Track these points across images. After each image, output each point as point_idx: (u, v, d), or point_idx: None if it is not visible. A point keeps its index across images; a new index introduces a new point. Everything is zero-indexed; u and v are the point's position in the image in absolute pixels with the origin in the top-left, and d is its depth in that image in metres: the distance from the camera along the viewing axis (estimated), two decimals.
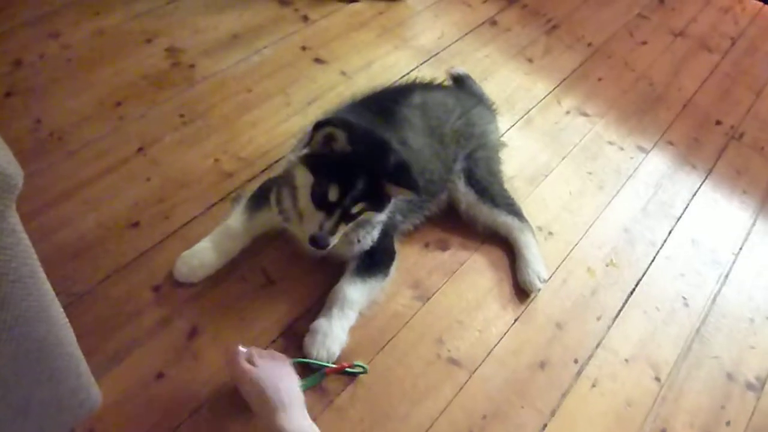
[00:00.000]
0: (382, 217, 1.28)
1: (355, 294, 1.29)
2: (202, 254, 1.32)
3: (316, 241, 1.18)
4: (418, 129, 1.42)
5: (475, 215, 1.49)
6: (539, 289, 1.43)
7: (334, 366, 1.22)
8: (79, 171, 1.45)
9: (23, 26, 1.74)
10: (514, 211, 1.50)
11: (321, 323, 1.25)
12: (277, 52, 1.83)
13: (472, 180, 1.48)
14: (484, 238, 1.51)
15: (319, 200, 1.18)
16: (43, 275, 0.76)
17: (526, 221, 1.50)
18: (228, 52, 1.79)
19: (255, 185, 1.48)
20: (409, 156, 1.33)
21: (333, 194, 1.16)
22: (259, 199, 1.37)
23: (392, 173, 1.18)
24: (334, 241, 1.19)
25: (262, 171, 1.53)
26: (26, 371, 0.81)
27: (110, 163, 1.47)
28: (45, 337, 0.80)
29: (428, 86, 1.59)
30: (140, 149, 1.52)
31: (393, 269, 1.37)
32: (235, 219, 1.35)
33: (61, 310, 0.85)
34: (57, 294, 1.21)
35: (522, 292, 1.44)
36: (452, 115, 1.49)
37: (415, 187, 1.21)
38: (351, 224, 1.21)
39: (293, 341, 1.26)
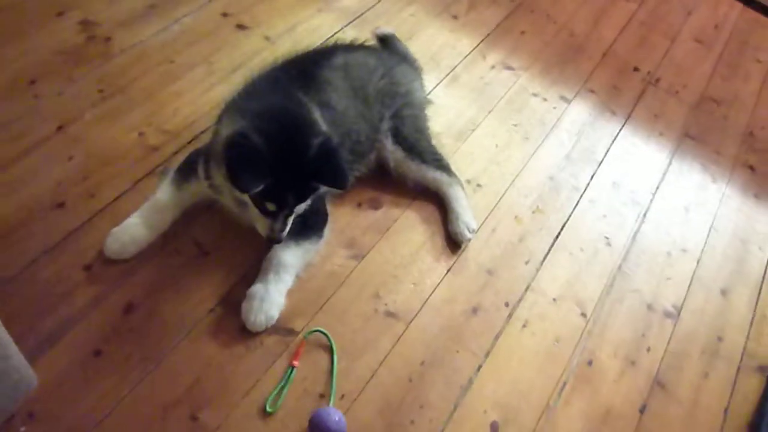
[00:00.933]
0: None
1: (290, 257, 1.31)
2: (132, 230, 1.31)
3: (272, 240, 1.23)
4: (341, 90, 1.42)
5: (404, 172, 1.52)
6: (469, 240, 1.49)
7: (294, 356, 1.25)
8: None
9: None
10: (443, 166, 1.54)
11: (258, 288, 1.27)
12: (197, 20, 1.78)
13: (399, 138, 1.51)
14: (415, 194, 1.55)
15: (262, 211, 1.20)
16: None
17: (455, 175, 1.55)
18: (146, 22, 1.74)
19: (182, 157, 1.46)
20: (334, 118, 1.35)
21: (271, 207, 1.19)
22: (187, 171, 1.36)
23: (321, 176, 1.20)
24: (286, 232, 1.23)
25: (189, 142, 1.51)
26: None
27: (28, 144, 1.42)
28: None
29: (349, 47, 1.58)
30: (60, 128, 1.47)
31: (327, 230, 1.40)
32: (164, 192, 1.34)
33: None
34: None
35: (454, 243, 1.49)
36: (375, 74, 1.51)
37: (343, 185, 1.24)
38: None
39: (231, 309, 1.28)
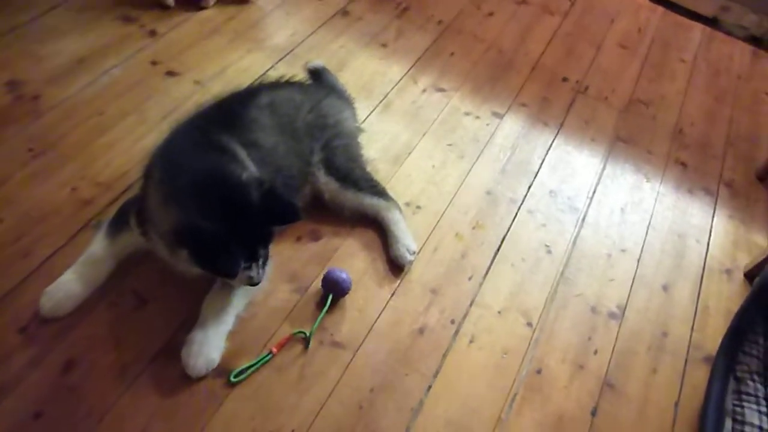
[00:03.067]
0: None
1: (230, 299, 1.31)
2: (67, 286, 1.29)
3: (254, 284, 1.29)
4: (268, 128, 1.44)
5: (340, 202, 1.53)
6: (411, 262, 1.50)
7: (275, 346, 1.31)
8: None
9: None
10: (379, 191, 1.56)
11: (196, 333, 1.26)
12: (126, 71, 1.79)
13: (331, 169, 1.52)
14: (354, 222, 1.56)
15: None
16: None
17: (392, 199, 1.57)
18: (74, 77, 1.74)
19: (116, 209, 1.47)
20: (262, 156, 1.37)
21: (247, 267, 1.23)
22: (120, 222, 1.36)
23: (275, 218, 1.26)
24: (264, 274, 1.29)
25: (122, 192, 1.51)
26: None
27: None
28: None
29: (274, 85, 1.60)
30: None
31: (269, 268, 1.40)
32: (97, 245, 1.33)
33: None
34: None
35: (396, 267, 1.51)
36: (302, 109, 1.53)
37: (297, 217, 1.28)
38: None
39: (172, 357, 1.26)
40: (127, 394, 1.21)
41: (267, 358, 1.29)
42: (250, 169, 1.29)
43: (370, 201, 1.54)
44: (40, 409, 1.17)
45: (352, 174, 1.54)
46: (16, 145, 1.56)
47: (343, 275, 1.40)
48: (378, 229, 1.56)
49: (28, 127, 1.61)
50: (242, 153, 1.32)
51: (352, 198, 1.53)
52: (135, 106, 1.71)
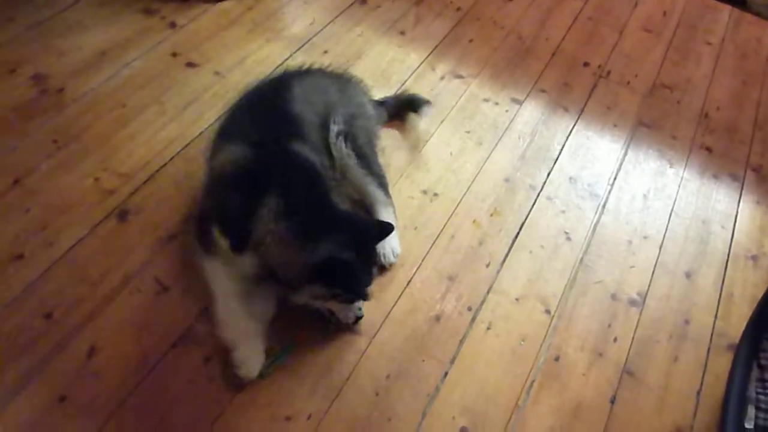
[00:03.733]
0: None
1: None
2: (254, 347, 1.27)
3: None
4: (311, 123, 1.45)
5: (350, 177, 1.51)
6: (392, 263, 1.48)
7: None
8: None
9: None
10: (383, 185, 1.54)
11: (243, 337, 1.27)
12: (147, 63, 1.82)
13: (353, 144, 1.51)
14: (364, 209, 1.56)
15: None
16: None
17: (391, 198, 1.55)
18: (97, 70, 1.78)
19: (138, 198, 1.50)
20: (311, 146, 1.39)
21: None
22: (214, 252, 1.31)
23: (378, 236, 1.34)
24: None
25: (144, 182, 1.54)
26: None
27: None
28: None
29: (300, 74, 1.60)
30: (16, 182, 1.50)
31: None
32: (226, 295, 1.30)
33: None
34: None
35: (409, 251, 1.50)
36: (330, 90, 1.54)
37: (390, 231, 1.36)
38: None
39: (192, 343, 1.29)
40: (148, 379, 1.24)
41: (290, 348, 1.31)
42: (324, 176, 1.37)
43: (373, 190, 1.52)
44: (64, 392, 1.21)
45: (368, 156, 1.54)
46: (41, 137, 1.60)
47: None
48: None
49: (52, 119, 1.64)
50: (312, 156, 1.35)
51: (360, 177, 1.51)
52: (156, 98, 1.73)
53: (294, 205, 1.23)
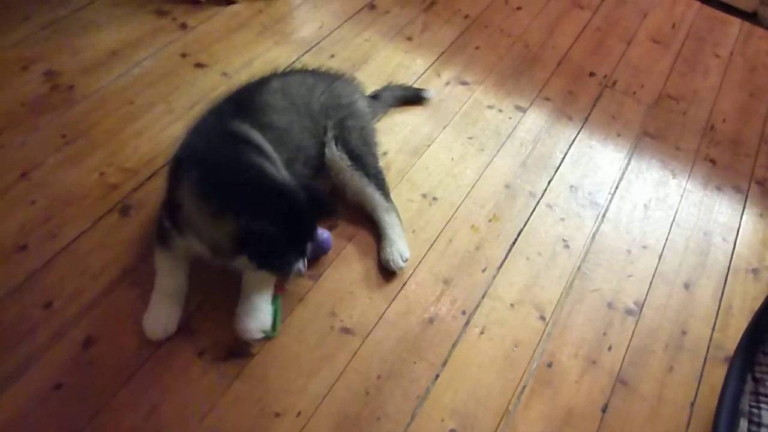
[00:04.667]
0: None
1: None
2: (166, 308, 1.31)
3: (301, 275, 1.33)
4: (282, 109, 1.46)
5: (345, 181, 1.52)
6: (401, 268, 1.48)
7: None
8: None
9: None
10: (383, 187, 1.54)
11: (245, 304, 1.30)
12: (157, 63, 1.86)
13: (345, 147, 1.52)
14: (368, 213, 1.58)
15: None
16: None
17: (392, 201, 1.56)
18: (107, 68, 1.82)
19: (141, 194, 1.53)
20: (279, 136, 1.40)
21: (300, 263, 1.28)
22: (166, 237, 1.34)
23: (317, 214, 1.30)
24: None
25: (148, 178, 1.57)
26: None
27: None
28: None
29: (284, 73, 1.63)
30: (23, 174, 1.54)
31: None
32: (164, 271, 1.34)
33: None
34: None
35: (386, 272, 1.48)
36: (316, 90, 1.55)
37: (333, 213, 1.40)
38: None
39: (187, 336, 1.31)
40: (143, 370, 1.26)
41: (279, 299, 1.36)
42: (272, 157, 1.33)
43: (372, 194, 1.52)
44: (60, 380, 1.23)
45: (363, 158, 1.54)
46: (50, 132, 1.64)
47: (325, 235, 1.44)
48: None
49: (62, 115, 1.68)
50: (258, 137, 1.35)
51: (357, 181, 1.52)
52: (163, 97, 1.77)
53: (215, 179, 1.22)
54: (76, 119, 1.68)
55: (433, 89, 1.90)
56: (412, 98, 1.87)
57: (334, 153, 1.51)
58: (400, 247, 1.49)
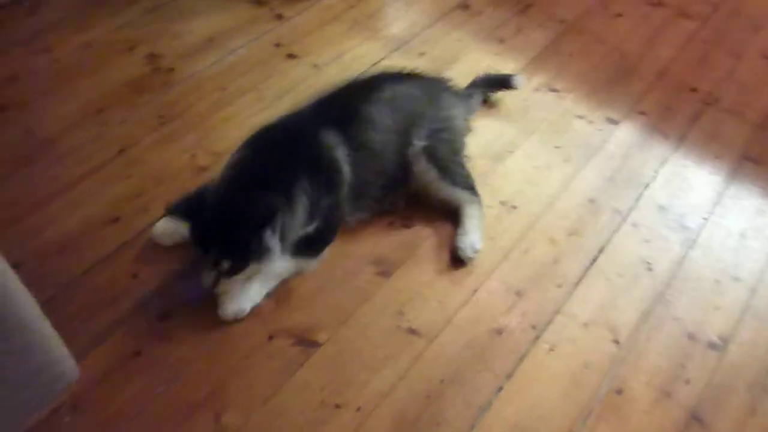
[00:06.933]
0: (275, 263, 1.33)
1: (282, 267, 1.38)
2: (177, 221, 1.43)
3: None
4: (383, 127, 1.48)
5: (432, 192, 1.54)
6: (470, 259, 1.48)
7: None
8: (66, 174, 1.58)
9: (18, 44, 1.88)
10: (469, 186, 1.56)
11: (238, 282, 1.33)
12: (251, 51, 1.92)
13: (434, 159, 1.53)
14: (447, 214, 1.56)
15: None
16: None
17: (477, 195, 1.56)
18: (204, 54, 1.90)
19: None
20: (366, 159, 1.44)
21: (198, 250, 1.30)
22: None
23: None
24: (219, 288, 1.32)
25: None
26: None
27: (93, 166, 1.60)
28: (6, 314, 0.91)
29: (396, 77, 1.62)
30: (121, 151, 1.63)
31: (326, 251, 1.45)
32: None
33: (23, 289, 0.95)
34: (45, 285, 1.36)
35: (454, 258, 1.49)
36: (419, 102, 1.55)
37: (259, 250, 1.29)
38: (238, 276, 1.30)
39: (258, 320, 1.35)
40: (214, 348, 1.31)
41: None
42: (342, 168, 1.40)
43: (459, 193, 1.54)
44: (139, 348, 1.30)
45: (451, 168, 1.55)
46: (148, 112, 1.73)
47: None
48: None
49: (160, 96, 1.77)
50: (340, 155, 1.39)
51: (444, 189, 1.54)
52: (254, 85, 1.83)
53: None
54: (172, 101, 1.77)
55: (521, 76, 1.86)
56: (503, 83, 1.84)
57: (422, 167, 1.52)
58: (473, 238, 1.49)
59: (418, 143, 1.53)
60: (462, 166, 1.60)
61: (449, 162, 1.56)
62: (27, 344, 0.99)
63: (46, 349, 1.04)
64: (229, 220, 1.26)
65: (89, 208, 1.51)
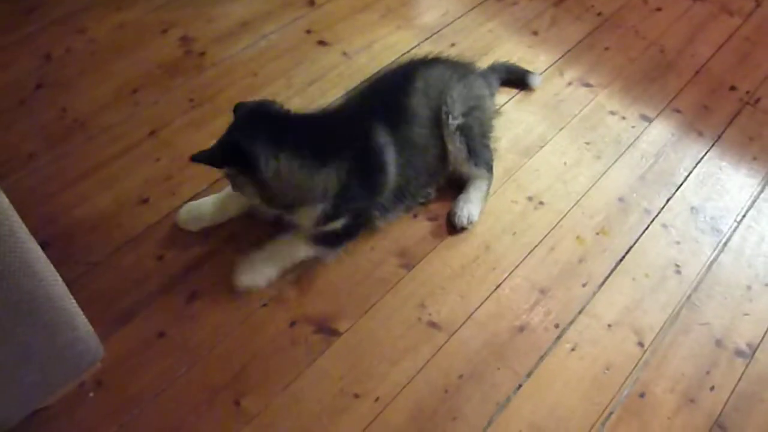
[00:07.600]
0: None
1: (302, 254, 1.41)
2: (202, 207, 1.47)
3: None
4: (424, 119, 1.48)
5: (459, 171, 1.55)
6: (464, 228, 1.50)
7: None
8: (97, 154, 1.60)
9: (54, 24, 1.90)
10: (489, 165, 1.56)
11: (258, 254, 1.38)
12: (282, 37, 1.92)
13: (467, 137, 1.52)
14: None
15: None
16: (24, 234, 0.87)
17: (492, 174, 1.57)
18: (237, 38, 1.90)
19: None
20: (412, 157, 1.46)
21: None
22: None
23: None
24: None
25: None
26: (21, 320, 0.93)
27: (124, 146, 1.61)
28: (33, 291, 0.92)
29: (425, 64, 1.60)
30: (152, 132, 1.65)
31: (346, 244, 1.45)
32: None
33: (50, 267, 0.97)
34: (75, 262, 1.39)
35: (448, 223, 1.51)
36: (451, 82, 1.54)
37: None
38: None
39: (282, 306, 1.36)
40: (237, 331, 1.33)
41: None
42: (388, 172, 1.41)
43: (474, 171, 1.54)
44: (163, 329, 1.32)
45: (478, 149, 1.54)
46: (180, 95, 1.74)
47: None
48: (493, 219, 1.54)
49: (192, 79, 1.78)
50: (391, 155, 1.40)
51: (465, 167, 1.54)
52: (285, 71, 1.82)
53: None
54: (204, 85, 1.77)
55: (539, 76, 1.85)
56: (517, 80, 1.83)
57: (456, 143, 1.51)
58: (472, 208, 1.50)
59: (453, 122, 1.51)
60: (488, 148, 1.59)
61: (478, 143, 1.54)
62: (53, 321, 1.01)
63: (72, 327, 1.07)
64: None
65: (119, 189, 1.53)
